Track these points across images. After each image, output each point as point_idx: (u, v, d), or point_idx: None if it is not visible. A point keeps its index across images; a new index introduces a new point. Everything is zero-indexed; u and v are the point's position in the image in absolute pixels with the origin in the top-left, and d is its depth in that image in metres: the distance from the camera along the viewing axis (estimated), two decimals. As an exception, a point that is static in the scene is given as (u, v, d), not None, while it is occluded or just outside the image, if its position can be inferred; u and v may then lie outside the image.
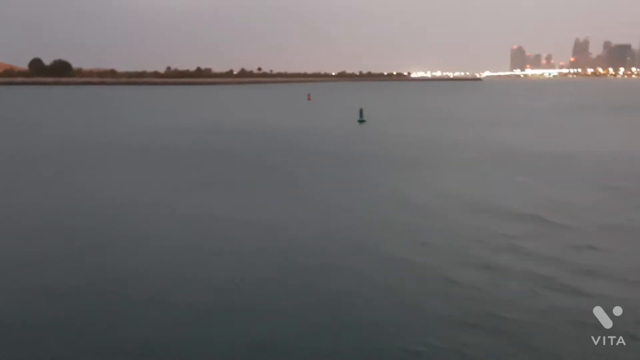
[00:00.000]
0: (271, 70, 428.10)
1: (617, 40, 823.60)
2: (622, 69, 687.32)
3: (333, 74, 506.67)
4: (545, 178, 26.57)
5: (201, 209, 21.24)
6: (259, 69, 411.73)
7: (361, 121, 60.73)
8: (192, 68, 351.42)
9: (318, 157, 35.38)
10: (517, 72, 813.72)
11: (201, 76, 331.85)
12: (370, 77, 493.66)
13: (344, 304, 12.44)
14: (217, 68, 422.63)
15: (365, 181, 26.61)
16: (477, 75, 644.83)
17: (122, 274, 14.43)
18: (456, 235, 17.54)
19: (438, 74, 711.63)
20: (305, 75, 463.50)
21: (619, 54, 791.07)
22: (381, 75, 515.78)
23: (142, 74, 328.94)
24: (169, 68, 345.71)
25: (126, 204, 22.27)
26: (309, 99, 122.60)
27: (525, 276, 13.96)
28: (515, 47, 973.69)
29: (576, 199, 22.33)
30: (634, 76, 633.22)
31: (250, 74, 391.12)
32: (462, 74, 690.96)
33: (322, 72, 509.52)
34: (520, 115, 74.37)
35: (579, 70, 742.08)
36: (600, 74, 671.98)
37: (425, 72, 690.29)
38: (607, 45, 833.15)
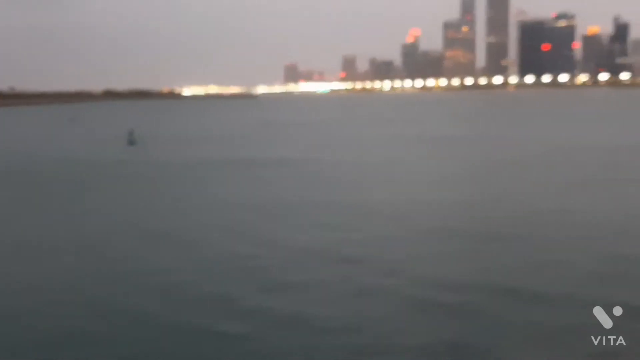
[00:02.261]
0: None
1: (381, 57, 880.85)
2: (389, 84, 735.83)
3: (98, 91, 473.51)
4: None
5: None
6: (12, 88, 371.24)
7: (131, 143, 57.89)
8: None
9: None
10: (292, 87, 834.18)
11: None
12: (139, 95, 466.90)
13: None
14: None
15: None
16: (253, 91, 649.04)
17: None
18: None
19: (213, 88, 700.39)
20: (68, 95, 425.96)
21: (383, 70, 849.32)
22: (151, 93, 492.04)
23: None
24: None
25: None
26: (71, 121, 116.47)
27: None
28: (288, 63, 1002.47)
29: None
30: (398, 90, 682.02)
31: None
32: (238, 88, 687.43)
33: (86, 89, 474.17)
34: (285, 133, 79.48)
35: (349, 85, 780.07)
36: (369, 89, 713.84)
37: (199, 87, 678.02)
38: (372, 61, 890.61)
